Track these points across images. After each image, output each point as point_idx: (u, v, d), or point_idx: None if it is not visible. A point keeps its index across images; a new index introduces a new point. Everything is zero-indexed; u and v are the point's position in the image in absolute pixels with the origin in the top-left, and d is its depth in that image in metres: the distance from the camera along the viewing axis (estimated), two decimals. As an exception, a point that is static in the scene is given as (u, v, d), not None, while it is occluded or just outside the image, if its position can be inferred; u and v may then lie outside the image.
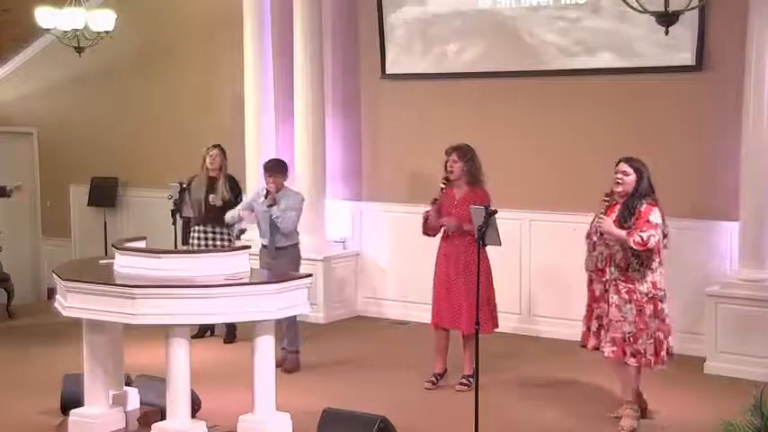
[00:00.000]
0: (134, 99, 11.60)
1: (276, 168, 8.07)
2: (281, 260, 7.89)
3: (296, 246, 8.15)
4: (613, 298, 6.33)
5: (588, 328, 6.57)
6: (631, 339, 6.29)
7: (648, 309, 6.29)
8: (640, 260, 6.27)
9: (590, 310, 6.55)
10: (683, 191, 8.09)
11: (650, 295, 6.29)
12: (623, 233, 6.21)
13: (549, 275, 8.85)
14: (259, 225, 8.11)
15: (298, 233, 8.16)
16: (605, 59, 8.68)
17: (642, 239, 6.16)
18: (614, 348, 6.33)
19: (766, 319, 7.59)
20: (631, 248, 6.21)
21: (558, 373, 7.80)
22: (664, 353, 6.36)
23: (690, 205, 8.14)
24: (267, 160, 8.34)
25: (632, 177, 6.33)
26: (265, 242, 8.06)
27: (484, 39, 9.32)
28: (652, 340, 6.30)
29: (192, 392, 6.25)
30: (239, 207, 8.29)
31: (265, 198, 7.94)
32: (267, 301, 6.03)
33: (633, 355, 6.31)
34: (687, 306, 8.00)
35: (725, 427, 4.68)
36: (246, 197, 8.74)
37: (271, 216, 7.92)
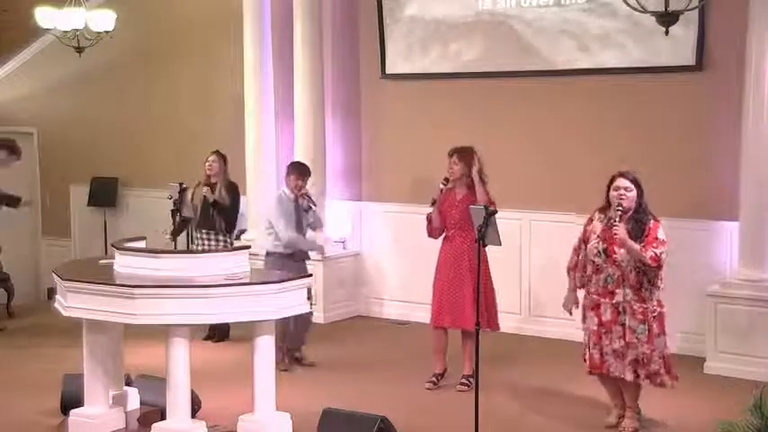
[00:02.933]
0: (134, 99, 11.60)
1: (308, 170, 8.16)
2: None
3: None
4: (627, 320, 6.22)
5: (602, 354, 6.33)
6: (645, 361, 6.23)
7: (656, 327, 6.23)
8: (649, 278, 6.19)
9: (597, 335, 6.34)
10: (683, 191, 8.09)
11: (655, 314, 6.23)
12: (638, 246, 6.11)
13: (549, 275, 8.83)
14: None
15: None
16: (605, 59, 8.68)
17: (656, 255, 6.09)
18: (632, 370, 6.24)
19: (766, 319, 7.59)
20: (642, 265, 6.13)
21: (558, 373, 7.78)
22: (674, 369, 6.32)
23: (690, 205, 8.13)
24: (296, 163, 8.41)
25: (634, 193, 6.23)
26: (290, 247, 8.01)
27: (484, 39, 9.31)
28: (662, 359, 6.25)
29: (192, 392, 6.25)
30: (289, 231, 7.95)
31: (308, 202, 7.99)
32: (267, 301, 6.03)
33: (648, 377, 6.26)
34: (687, 306, 7.99)
35: (724, 427, 4.68)
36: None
37: (315, 213, 8.08)
